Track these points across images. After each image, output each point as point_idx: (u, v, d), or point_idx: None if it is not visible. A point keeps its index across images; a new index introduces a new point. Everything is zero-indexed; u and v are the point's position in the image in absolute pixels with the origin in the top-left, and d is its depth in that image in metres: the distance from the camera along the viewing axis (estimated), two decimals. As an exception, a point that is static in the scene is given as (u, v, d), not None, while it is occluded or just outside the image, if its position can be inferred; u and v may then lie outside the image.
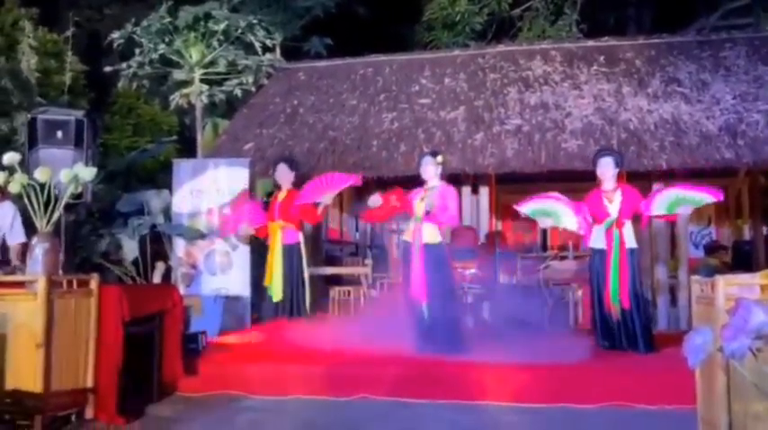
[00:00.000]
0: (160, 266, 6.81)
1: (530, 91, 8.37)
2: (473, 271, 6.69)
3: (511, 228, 9.42)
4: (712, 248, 8.53)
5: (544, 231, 9.34)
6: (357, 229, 10.42)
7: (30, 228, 4.28)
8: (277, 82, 9.90)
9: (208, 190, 6.96)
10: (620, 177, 5.43)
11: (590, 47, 9.16)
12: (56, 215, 3.98)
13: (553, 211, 5.30)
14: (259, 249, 6.66)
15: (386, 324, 5.29)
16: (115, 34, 10.00)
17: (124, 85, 10.85)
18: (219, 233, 6.74)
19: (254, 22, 10.08)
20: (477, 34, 12.51)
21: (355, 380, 4.47)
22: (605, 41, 9.25)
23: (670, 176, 7.30)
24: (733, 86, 7.80)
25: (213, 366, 4.81)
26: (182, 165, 7.27)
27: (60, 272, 4.14)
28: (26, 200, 3.94)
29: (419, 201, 5.15)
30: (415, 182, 5.48)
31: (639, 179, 6.75)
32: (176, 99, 10.45)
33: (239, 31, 9.86)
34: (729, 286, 2.82)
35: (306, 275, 6.09)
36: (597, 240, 5.23)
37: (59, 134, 5.65)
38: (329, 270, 8.22)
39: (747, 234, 8.91)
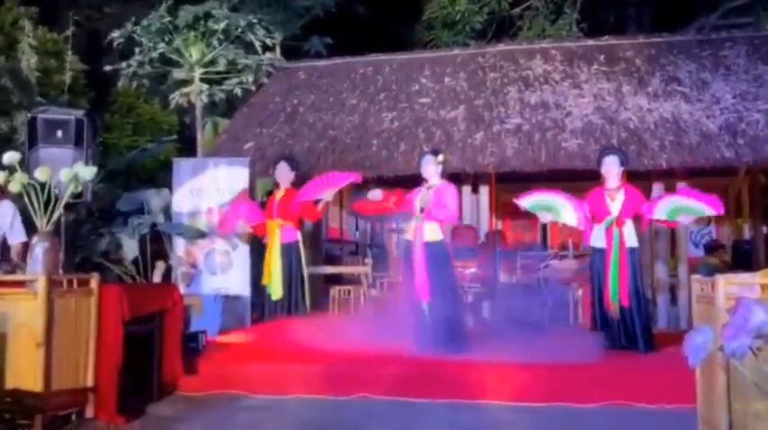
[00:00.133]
0: (160, 266, 6.81)
1: (530, 90, 8.36)
2: (473, 270, 6.69)
3: (511, 228, 9.43)
4: (712, 247, 8.54)
5: (544, 230, 9.35)
6: (357, 229, 10.43)
7: (30, 228, 4.28)
8: (277, 81, 9.89)
9: (208, 189, 6.96)
10: (622, 177, 5.41)
11: (590, 46, 9.15)
12: (56, 214, 3.98)
13: (553, 206, 5.27)
14: (259, 249, 6.65)
15: (386, 323, 5.29)
16: (115, 33, 10.00)
17: (124, 85, 10.84)
18: (216, 230, 6.72)
19: (254, 21, 10.07)
20: (477, 33, 12.50)
21: (355, 380, 4.47)
22: (605, 40, 9.24)
23: (670, 176, 7.31)
24: (733, 85, 7.80)
25: (213, 365, 4.81)
26: (182, 165, 7.27)
27: (60, 271, 4.14)
28: (26, 199, 3.95)
29: (419, 200, 5.16)
30: (416, 181, 5.47)
31: (639, 178, 6.75)
32: (176, 98, 10.45)
33: (239, 30, 9.86)
34: (730, 285, 2.82)
35: (305, 273, 6.09)
36: (597, 239, 5.23)
37: (59, 133, 5.65)
38: (329, 269, 8.23)
39: (747, 233, 8.91)
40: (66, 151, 5.57)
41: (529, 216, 9.13)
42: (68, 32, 10.95)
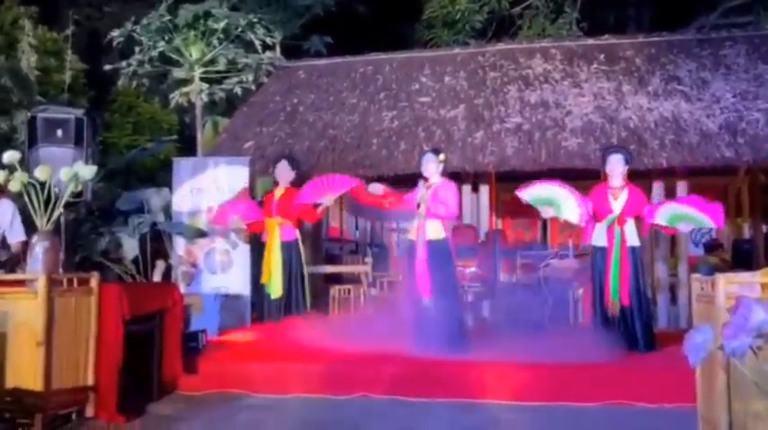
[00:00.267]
0: (160, 265, 6.81)
1: (530, 89, 8.36)
2: (473, 269, 6.69)
3: (511, 227, 9.43)
4: (712, 247, 8.54)
5: (544, 229, 9.35)
6: (357, 228, 10.43)
7: (30, 227, 4.28)
8: (277, 80, 9.89)
9: (208, 188, 6.96)
10: (626, 176, 5.39)
11: (590, 45, 9.15)
12: (56, 213, 3.99)
13: (555, 200, 5.19)
14: (259, 248, 6.65)
15: (386, 322, 5.29)
16: (115, 32, 9.99)
17: (124, 84, 10.84)
18: (209, 222, 6.63)
19: (254, 20, 10.07)
20: (478, 32, 12.49)
21: (355, 379, 4.47)
22: (605, 40, 9.24)
23: (670, 175, 7.31)
24: (733, 85, 7.80)
25: (213, 365, 4.81)
26: (182, 164, 7.27)
27: (60, 270, 4.14)
28: (26, 198, 3.95)
29: (419, 199, 5.15)
30: (416, 180, 5.47)
31: (640, 178, 6.74)
32: (176, 97, 10.44)
33: (239, 29, 9.85)
34: (730, 284, 2.82)
35: (305, 272, 6.09)
36: (599, 238, 5.22)
37: (59, 132, 5.65)
38: (329, 268, 8.23)
39: (747, 232, 8.91)
40: (66, 150, 5.56)
41: (529, 215, 9.14)
42: (68, 31, 10.96)
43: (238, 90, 10.06)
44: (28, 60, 10.49)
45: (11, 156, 3.96)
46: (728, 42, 8.67)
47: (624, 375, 4.34)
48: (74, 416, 3.82)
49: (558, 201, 5.18)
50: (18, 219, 4.91)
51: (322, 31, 12.31)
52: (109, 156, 10.94)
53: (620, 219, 5.13)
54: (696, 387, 3.16)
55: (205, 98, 10.22)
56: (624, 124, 7.48)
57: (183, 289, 5.96)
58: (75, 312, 3.78)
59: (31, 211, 3.94)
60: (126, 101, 13.05)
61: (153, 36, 9.75)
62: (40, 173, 3.94)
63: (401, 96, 8.70)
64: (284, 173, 6.27)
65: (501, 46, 9.68)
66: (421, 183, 5.22)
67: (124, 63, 10.07)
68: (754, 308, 1.98)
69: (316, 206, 6.14)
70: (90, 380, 3.84)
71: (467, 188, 7.84)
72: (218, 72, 10.22)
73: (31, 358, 3.51)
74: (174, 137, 11.79)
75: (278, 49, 10.95)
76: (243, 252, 6.80)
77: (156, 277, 6.73)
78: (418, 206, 5.14)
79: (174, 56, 9.97)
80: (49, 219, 3.95)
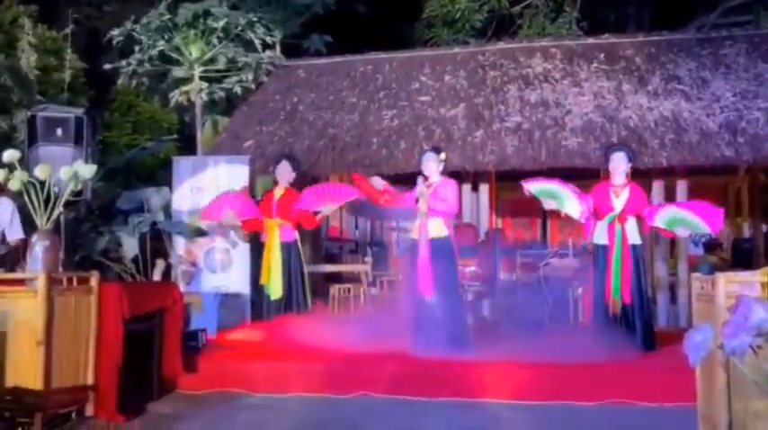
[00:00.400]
0: (160, 264, 6.81)
1: (530, 88, 8.36)
2: (473, 268, 6.69)
3: (511, 226, 9.43)
4: (711, 246, 8.54)
5: (544, 228, 9.36)
6: (357, 227, 10.43)
7: (30, 226, 4.28)
8: (277, 79, 9.89)
9: (208, 187, 6.94)
10: (628, 174, 5.38)
11: (590, 44, 9.14)
12: (56, 212, 3.99)
13: (558, 195, 5.22)
14: (259, 247, 6.65)
15: (386, 321, 5.29)
16: (114, 31, 9.98)
17: (124, 83, 10.83)
18: (201, 215, 6.52)
19: (254, 19, 10.06)
20: (478, 31, 12.47)
21: (355, 378, 4.48)
22: (605, 39, 9.24)
23: (670, 174, 7.31)
24: (733, 84, 7.80)
25: (213, 364, 4.81)
26: (181, 163, 7.27)
27: (60, 269, 4.14)
28: (26, 197, 3.95)
29: (422, 199, 5.13)
30: (415, 179, 5.45)
31: (639, 177, 6.73)
32: (176, 96, 10.44)
33: (239, 28, 9.85)
34: (730, 283, 2.82)
35: (305, 272, 6.09)
36: (600, 236, 5.22)
37: (59, 131, 5.65)
38: (329, 268, 8.23)
39: (747, 232, 8.91)
40: (66, 149, 5.57)
41: (529, 214, 9.14)
42: (68, 30, 10.95)
43: (238, 89, 10.06)
44: (28, 59, 10.49)
45: (10, 155, 3.97)
46: (728, 42, 8.67)
47: (624, 374, 4.34)
48: (74, 415, 3.82)
49: (561, 196, 5.19)
50: (17, 217, 4.92)
51: (322, 30, 12.31)
52: (109, 155, 10.94)
53: (621, 217, 5.12)
54: (696, 386, 3.16)
55: (205, 97, 10.21)
56: (624, 123, 7.47)
57: (182, 288, 5.95)
58: (75, 311, 3.78)
59: (31, 210, 3.94)
60: (126, 100, 13.04)
61: (153, 35, 9.74)
62: (40, 172, 3.94)
63: (401, 95, 8.70)
64: (285, 173, 6.25)
65: (501, 45, 9.68)
66: (420, 179, 5.21)
67: (124, 62, 10.06)
68: (754, 307, 1.98)
69: (315, 213, 6.13)
70: (90, 380, 3.84)
71: (467, 187, 7.84)
72: (217, 71, 10.22)
73: (31, 357, 3.51)
74: (174, 136, 11.79)
75: (278, 48, 10.94)
76: (243, 251, 6.79)
77: (156, 276, 6.73)
78: (417, 201, 5.13)
79: (173, 55, 9.97)
80: (48, 218, 3.95)
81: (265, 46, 10.24)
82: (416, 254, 5.09)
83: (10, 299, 3.60)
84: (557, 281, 6.64)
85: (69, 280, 3.81)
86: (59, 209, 4.01)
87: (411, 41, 12.78)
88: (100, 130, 7.71)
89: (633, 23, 13.19)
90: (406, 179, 6.52)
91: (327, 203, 6.03)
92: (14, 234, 4.89)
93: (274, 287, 5.92)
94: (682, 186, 7.30)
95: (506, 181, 8.22)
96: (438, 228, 5.09)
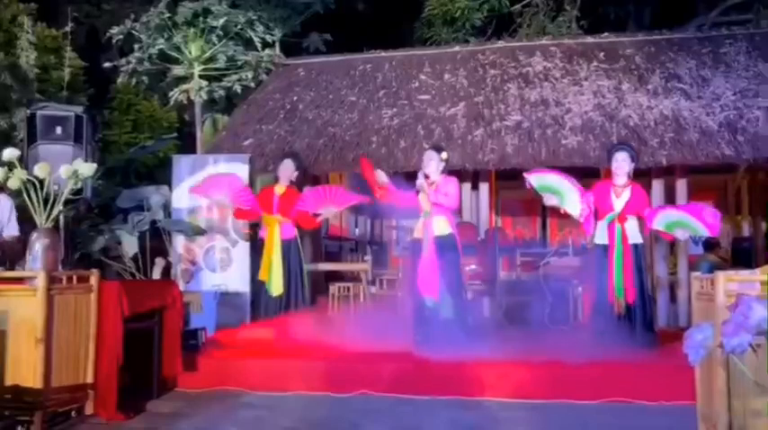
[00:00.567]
0: (160, 262, 6.81)
1: (530, 87, 8.36)
2: (473, 267, 6.69)
3: (511, 224, 9.43)
4: (711, 245, 8.53)
5: (544, 227, 9.35)
6: (356, 226, 10.43)
7: (29, 224, 4.29)
8: (276, 78, 9.88)
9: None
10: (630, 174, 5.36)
11: (590, 43, 9.14)
12: (55, 211, 3.99)
13: (560, 191, 5.19)
14: (259, 246, 6.65)
15: (386, 320, 5.29)
16: (114, 30, 9.99)
17: (123, 81, 10.84)
18: (191, 189, 6.49)
19: (254, 17, 10.07)
20: (477, 30, 12.48)
21: (355, 377, 4.47)
22: (605, 38, 9.24)
23: (670, 173, 7.31)
24: (733, 83, 7.79)
25: (213, 362, 4.81)
26: (181, 161, 7.27)
27: (60, 268, 4.14)
28: (26, 196, 3.95)
29: (423, 197, 5.12)
30: (415, 178, 5.44)
31: (639, 176, 6.73)
32: (176, 95, 10.44)
33: (238, 26, 9.86)
34: (730, 282, 2.82)
35: (305, 269, 6.10)
36: (600, 235, 5.21)
37: (59, 130, 5.65)
38: (329, 266, 8.23)
39: (747, 230, 8.91)
40: (66, 148, 5.57)
41: (528, 213, 9.14)
42: (67, 29, 10.95)
43: (238, 87, 10.06)
44: (27, 57, 10.49)
45: (10, 153, 3.97)
46: (728, 40, 8.67)
47: (624, 373, 4.34)
48: (73, 413, 3.82)
49: (563, 192, 5.18)
50: (14, 215, 4.94)
51: (322, 28, 12.30)
52: (108, 153, 10.96)
53: (621, 217, 5.12)
54: (696, 385, 3.16)
55: (204, 96, 10.22)
56: (624, 122, 7.47)
57: (182, 286, 5.95)
58: (75, 310, 3.78)
59: (31, 209, 3.94)
60: (125, 98, 13.05)
61: (152, 33, 9.75)
62: (40, 170, 3.94)
63: (401, 94, 8.69)
64: (287, 171, 6.25)
65: (501, 44, 9.68)
66: (420, 174, 5.19)
67: (123, 60, 10.07)
68: (754, 305, 1.99)
69: (315, 215, 6.13)
70: (89, 378, 3.84)
71: (466, 186, 7.84)
72: (217, 69, 10.22)
73: (31, 355, 3.51)
74: (174, 134, 11.80)
75: (277, 46, 10.95)
76: (242, 250, 6.79)
77: (156, 275, 6.72)
78: (417, 194, 5.12)
79: (173, 53, 9.98)
80: (48, 217, 3.95)
81: (265, 44, 10.25)
82: (419, 253, 5.08)
83: (10, 297, 3.60)
84: (556, 279, 6.64)
85: (69, 278, 3.81)
86: (59, 207, 4.01)
87: (411, 40, 12.78)
88: (99, 129, 7.73)
89: (633, 22, 13.18)
90: (407, 178, 6.52)
91: (328, 206, 6.04)
92: (10, 231, 4.92)
93: (275, 284, 5.92)
94: (681, 185, 7.30)
95: (506, 180, 8.23)
96: (442, 227, 5.08)
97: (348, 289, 7.14)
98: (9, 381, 3.47)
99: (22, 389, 3.45)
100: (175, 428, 3.78)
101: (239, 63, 10.10)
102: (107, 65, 10.60)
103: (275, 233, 6.01)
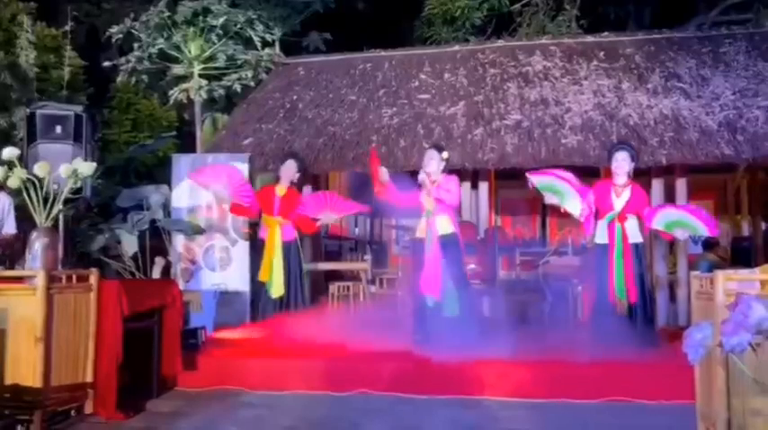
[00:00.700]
0: (159, 262, 6.81)
1: (529, 86, 8.35)
2: (472, 266, 6.69)
3: (510, 223, 9.43)
4: (710, 244, 8.54)
5: (543, 226, 9.35)
6: (356, 225, 10.42)
7: (29, 223, 4.29)
8: (276, 77, 9.88)
9: (207, 186, 6.93)
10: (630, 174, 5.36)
11: (590, 42, 9.14)
12: (55, 210, 3.99)
13: (561, 191, 5.20)
14: (258, 245, 6.65)
15: (385, 319, 5.29)
16: (114, 29, 9.99)
17: (123, 80, 10.84)
18: (191, 175, 6.43)
19: (253, 17, 10.07)
20: (477, 30, 12.48)
21: (355, 376, 4.48)
22: (605, 37, 9.23)
23: (669, 172, 7.31)
24: (733, 82, 7.79)
25: (212, 361, 4.81)
26: (181, 161, 7.26)
27: (60, 267, 4.14)
28: (25, 195, 3.95)
29: (426, 196, 5.12)
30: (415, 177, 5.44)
31: (639, 175, 6.73)
32: (175, 94, 10.44)
33: (238, 25, 9.86)
34: (729, 281, 2.82)
35: (304, 270, 6.10)
36: (600, 235, 5.21)
37: (58, 129, 5.64)
38: (329, 265, 8.23)
39: (746, 230, 8.92)
40: (66, 147, 5.56)
41: (528, 212, 9.13)
42: (67, 28, 10.94)
43: (237, 87, 10.06)
44: (27, 57, 10.48)
45: (10, 152, 3.96)
46: (728, 40, 8.67)
47: (623, 372, 4.34)
48: (73, 412, 3.82)
49: (564, 193, 5.18)
50: (13, 213, 4.95)
51: (321, 27, 12.30)
52: (108, 152, 10.95)
53: (621, 217, 5.12)
54: (695, 384, 3.17)
55: (204, 95, 10.21)
56: (624, 121, 7.47)
57: (182, 286, 5.94)
58: (75, 309, 3.78)
59: (31, 208, 3.94)
60: (125, 97, 13.04)
61: (152, 32, 9.75)
62: (39, 169, 3.94)
63: (400, 93, 8.69)
64: (290, 172, 6.24)
65: (500, 43, 9.68)
66: (422, 172, 5.19)
67: (123, 59, 10.07)
68: (754, 305, 1.99)
69: (314, 219, 6.14)
70: (89, 377, 3.84)
71: (466, 185, 7.83)
72: (217, 69, 10.22)
73: (31, 355, 3.51)
74: (174, 133, 11.79)
75: (277, 45, 10.95)
76: (242, 249, 6.79)
77: (156, 274, 6.72)
78: (420, 188, 5.12)
79: (173, 52, 9.97)
80: (48, 216, 3.95)
81: (265, 43, 10.24)
82: (421, 252, 5.07)
83: (9, 296, 3.60)
84: (556, 278, 6.65)
85: (69, 277, 3.81)
86: (59, 206, 4.01)
87: (411, 39, 12.78)
88: (99, 128, 7.72)
89: (633, 21, 13.18)
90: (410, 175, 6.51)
91: (327, 212, 6.06)
92: (8, 229, 4.93)
93: (276, 286, 5.93)
94: (681, 185, 7.30)
95: (506, 179, 8.23)
96: (446, 226, 5.09)
97: (348, 288, 7.15)
98: (9, 380, 3.48)
99: (21, 388, 3.45)
100: (175, 427, 3.79)
101: (239, 62, 10.09)
102: (107, 64, 10.60)
103: (276, 235, 6.01)
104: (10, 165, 3.96)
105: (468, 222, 7.52)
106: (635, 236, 5.14)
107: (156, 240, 7.03)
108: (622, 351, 4.58)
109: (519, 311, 6.13)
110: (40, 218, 3.93)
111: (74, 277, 3.84)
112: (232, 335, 5.79)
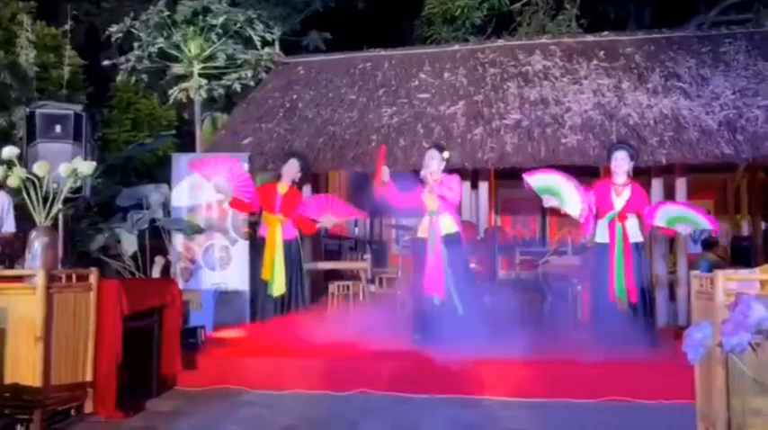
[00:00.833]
0: (159, 261, 6.80)
1: (529, 86, 8.35)
2: (472, 265, 6.68)
3: (510, 223, 9.43)
4: (710, 244, 8.54)
5: (543, 226, 9.35)
6: (356, 225, 10.42)
7: (28, 223, 4.29)
8: (276, 76, 9.87)
9: (207, 185, 6.92)
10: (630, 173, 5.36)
11: (589, 42, 9.14)
12: (55, 209, 3.98)
13: (559, 192, 5.16)
14: (259, 245, 6.65)
15: (385, 319, 5.28)
16: (113, 28, 9.99)
17: (123, 80, 10.84)
18: (192, 165, 6.36)
19: (253, 16, 10.06)
20: (477, 29, 12.48)
21: (354, 375, 4.48)
22: (605, 36, 9.23)
23: (669, 172, 7.31)
24: (733, 82, 7.79)
25: (212, 361, 4.81)
26: (180, 160, 7.25)
27: (59, 266, 4.14)
28: (25, 194, 3.94)
29: (428, 195, 5.12)
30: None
31: (639, 175, 6.72)
32: (175, 93, 10.43)
33: (238, 25, 9.85)
34: (729, 281, 2.82)
35: (304, 269, 6.09)
36: (600, 234, 5.20)
37: (58, 128, 5.64)
38: (328, 265, 8.22)
39: (746, 229, 8.92)
40: (65, 146, 5.56)
41: (528, 212, 9.13)
42: (67, 27, 10.93)
43: (237, 86, 10.06)
44: (26, 56, 10.47)
45: (9, 151, 3.96)
46: (728, 39, 8.66)
47: (623, 372, 4.35)
48: (73, 411, 3.82)
49: (563, 194, 5.15)
50: (12, 212, 4.95)
51: (321, 27, 12.30)
52: (108, 151, 10.93)
53: (621, 216, 5.12)
54: (695, 383, 3.17)
55: (204, 94, 10.21)
56: (624, 121, 7.47)
57: (181, 285, 5.94)
58: (74, 308, 3.78)
59: (30, 207, 3.94)
60: (125, 97, 13.02)
61: (152, 32, 9.75)
62: (39, 168, 3.94)
63: (400, 93, 8.69)
64: (292, 171, 6.23)
65: (500, 42, 9.67)
66: (424, 171, 5.19)
67: (123, 59, 10.07)
68: (753, 305, 1.99)
69: (314, 221, 6.15)
70: (89, 376, 3.84)
71: (466, 185, 7.83)
72: (216, 68, 10.22)
73: (30, 354, 3.51)
74: (173, 133, 11.79)
75: (277, 45, 10.94)
76: (242, 248, 6.78)
77: (155, 273, 6.72)
78: (423, 185, 5.12)
79: (172, 52, 9.97)
80: (47, 215, 3.95)
81: (264, 43, 10.24)
82: (423, 252, 5.07)
83: (9, 295, 3.60)
84: (556, 278, 6.64)
85: (68, 277, 3.81)
86: (58, 205, 4.01)
87: (410, 39, 12.78)
88: (99, 127, 7.71)
89: (633, 21, 13.18)
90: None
91: (328, 215, 6.06)
92: (7, 227, 4.93)
93: (277, 284, 5.92)
94: (681, 184, 7.30)
95: (506, 178, 8.22)
96: (449, 225, 5.09)
97: (348, 287, 7.14)
98: (8, 380, 3.48)
99: (21, 387, 3.45)
100: (175, 427, 3.79)
101: (239, 61, 10.09)
102: (106, 63, 10.60)
103: (277, 233, 6.01)
104: (9, 164, 3.96)
105: (468, 222, 7.52)
106: (635, 235, 5.13)
107: (155, 239, 7.02)
108: (622, 350, 4.58)
109: (519, 311, 6.12)
110: (39, 217, 3.93)
111: (73, 276, 3.84)
112: (232, 335, 5.79)
